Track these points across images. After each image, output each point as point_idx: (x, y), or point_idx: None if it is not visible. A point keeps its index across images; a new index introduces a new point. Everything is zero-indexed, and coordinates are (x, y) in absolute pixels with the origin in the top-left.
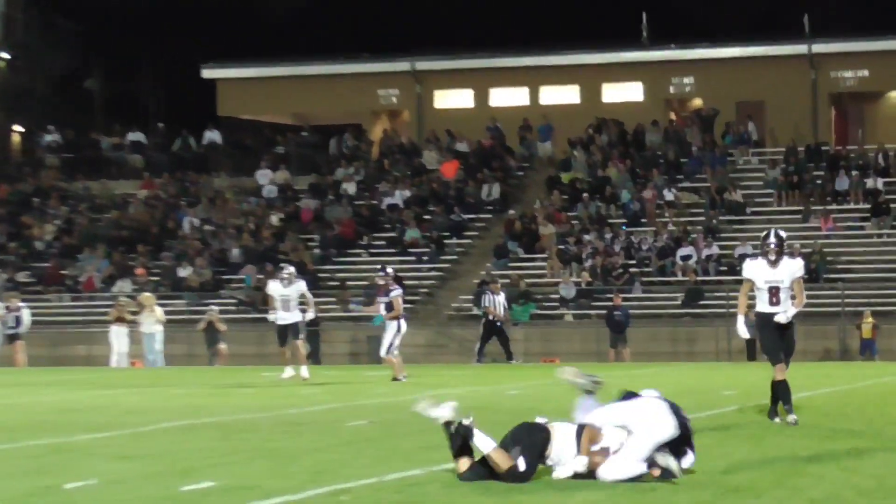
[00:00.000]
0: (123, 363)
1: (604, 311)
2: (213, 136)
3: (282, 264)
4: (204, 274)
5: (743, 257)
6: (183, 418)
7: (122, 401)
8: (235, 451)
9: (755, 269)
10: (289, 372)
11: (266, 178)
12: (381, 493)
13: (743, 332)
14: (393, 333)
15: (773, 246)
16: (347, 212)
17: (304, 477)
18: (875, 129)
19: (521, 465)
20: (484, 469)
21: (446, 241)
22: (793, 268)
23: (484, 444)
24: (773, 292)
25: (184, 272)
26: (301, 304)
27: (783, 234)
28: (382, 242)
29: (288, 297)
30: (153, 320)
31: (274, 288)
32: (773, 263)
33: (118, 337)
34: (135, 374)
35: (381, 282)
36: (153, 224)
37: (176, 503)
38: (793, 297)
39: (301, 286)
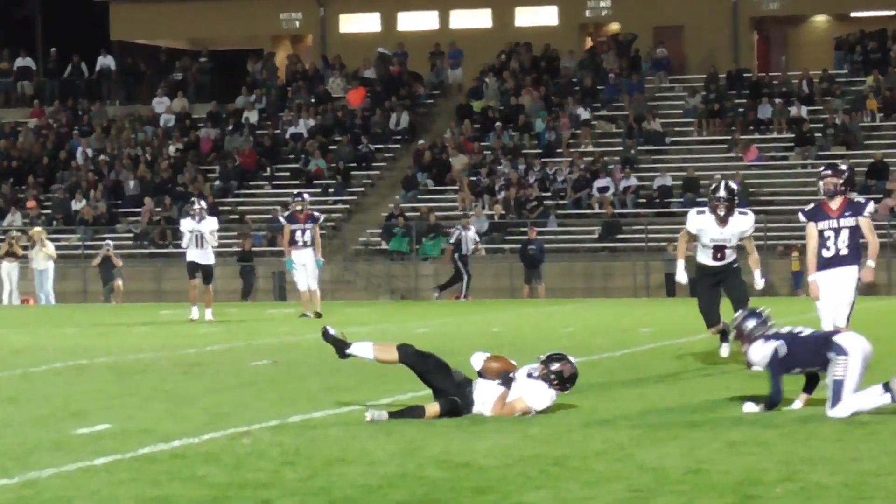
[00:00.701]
0: (15, 300)
1: (517, 246)
2: (106, 61)
3: (192, 198)
4: (98, 207)
5: (663, 189)
6: (76, 358)
7: (11, 340)
8: (131, 392)
9: (702, 225)
10: (195, 313)
11: (163, 107)
12: (282, 435)
13: (682, 277)
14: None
15: (723, 200)
16: (249, 142)
17: (202, 419)
18: (799, 55)
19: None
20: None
21: (353, 173)
22: (742, 226)
23: (363, 349)
24: (718, 249)
25: (77, 205)
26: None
27: (735, 186)
28: (286, 174)
29: (200, 232)
30: (44, 256)
31: (186, 224)
32: (722, 220)
33: (9, 273)
34: (26, 312)
35: (299, 207)
36: (44, 154)
37: (69, 447)
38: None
39: (213, 222)
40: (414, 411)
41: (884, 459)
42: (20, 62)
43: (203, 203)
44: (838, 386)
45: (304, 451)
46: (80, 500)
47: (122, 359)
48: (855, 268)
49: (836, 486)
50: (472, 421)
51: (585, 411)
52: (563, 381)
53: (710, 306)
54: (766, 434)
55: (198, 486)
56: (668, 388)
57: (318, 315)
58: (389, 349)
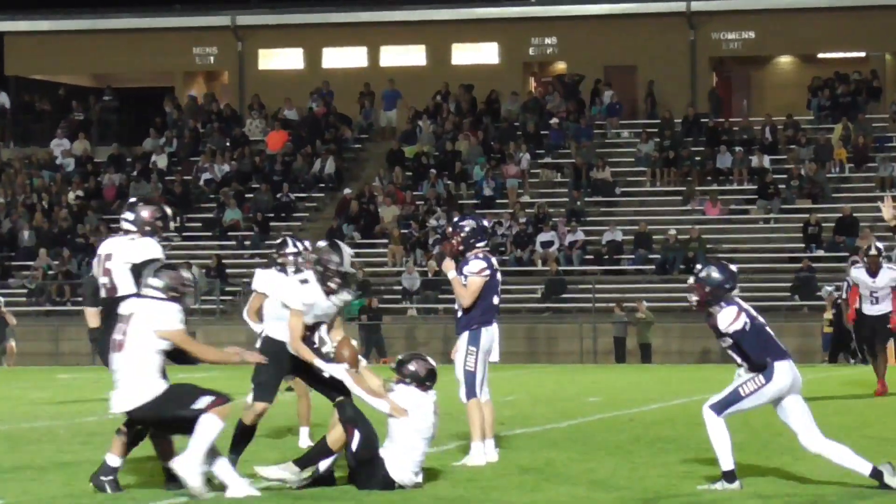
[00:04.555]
0: None
1: (452, 306)
2: (0, 99)
3: (284, 237)
4: None
5: (613, 244)
6: None
7: None
8: (26, 464)
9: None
10: (305, 436)
11: (62, 149)
12: None
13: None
14: None
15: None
16: (157, 188)
17: (104, 494)
18: (761, 100)
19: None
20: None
21: (272, 224)
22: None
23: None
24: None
25: None
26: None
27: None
28: (198, 224)
29: None
30: None
31: (272, 280)
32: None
33: None
34: None
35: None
36: None
37: None
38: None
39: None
40: (322, 450)
41: None
42: None
43: (304, 243)
44: (735, 397)
45: None
46: None
47: (16, 427)
48: (463, 335)
49: None
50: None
51: (528, 488)
52: (422, 381)
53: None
54: None
55: None
56: (619, 464)
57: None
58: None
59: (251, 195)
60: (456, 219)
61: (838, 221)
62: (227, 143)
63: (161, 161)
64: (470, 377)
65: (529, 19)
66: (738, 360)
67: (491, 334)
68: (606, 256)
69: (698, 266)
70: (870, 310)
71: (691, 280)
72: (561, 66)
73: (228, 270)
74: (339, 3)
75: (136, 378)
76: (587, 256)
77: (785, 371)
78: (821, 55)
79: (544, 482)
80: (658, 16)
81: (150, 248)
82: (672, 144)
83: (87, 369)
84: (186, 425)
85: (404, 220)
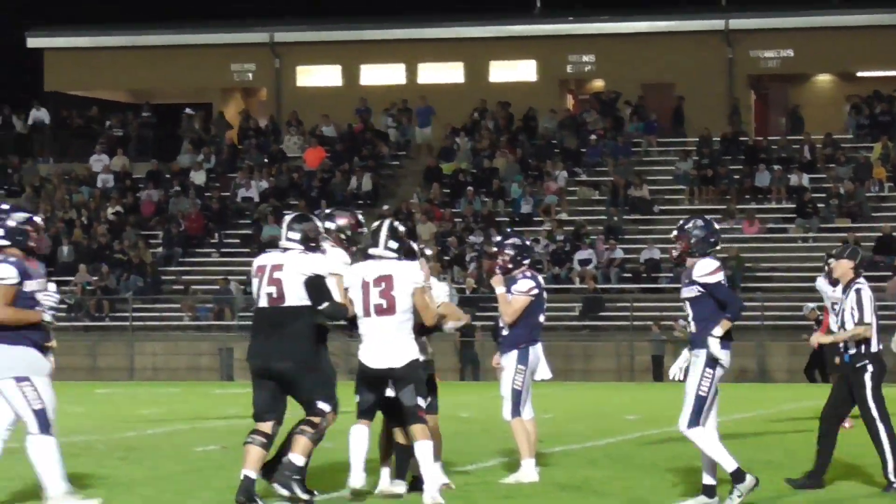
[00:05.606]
0: None
1: (490, 323)
2: (39, 114)
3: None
4: None
5: (651, 262)
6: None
7: None
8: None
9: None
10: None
11: (101, 165)
12: None
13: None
14: None
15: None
16: (195, 204)
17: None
18: (800, 118)
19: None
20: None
21: None
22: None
23: None
24: None
25: None
26: None
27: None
28: (236, 241)
29: None
30: None
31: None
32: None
33: None
34: None
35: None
36: None
37: None
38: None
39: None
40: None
41: None
42: None
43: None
44: (699, 401)
45: None
46: None
47: None
48: (511, 353)
49: None
50: None
51: None
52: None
53: None
54: None
55: None
56: (657, 482)
57: None
58: None
59: (289, 211)
60: (499, 238)
61: (877, 241)
62: (265, 160)
63: (199, 178)
64: (517, 396)
65: (567, 36)
66: (690, 315)
67: (537, 353)
68: (644, 274)
69: (683, 220)
70: (834, 326)
71: (675, 232)
72: (598, 84)
73: None
74: (377, 19)
75: (404, 339)
76: (625, 274)
77: (729, 357)
78: (860, 73)
79: (582, 500)
80: (696, 33)
81: (323, 264)
82: (710, 162)
83: (124, 384)
84: (395, 408)
85: (441, 237)
